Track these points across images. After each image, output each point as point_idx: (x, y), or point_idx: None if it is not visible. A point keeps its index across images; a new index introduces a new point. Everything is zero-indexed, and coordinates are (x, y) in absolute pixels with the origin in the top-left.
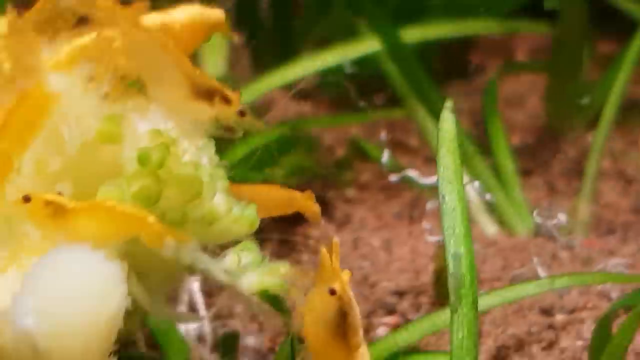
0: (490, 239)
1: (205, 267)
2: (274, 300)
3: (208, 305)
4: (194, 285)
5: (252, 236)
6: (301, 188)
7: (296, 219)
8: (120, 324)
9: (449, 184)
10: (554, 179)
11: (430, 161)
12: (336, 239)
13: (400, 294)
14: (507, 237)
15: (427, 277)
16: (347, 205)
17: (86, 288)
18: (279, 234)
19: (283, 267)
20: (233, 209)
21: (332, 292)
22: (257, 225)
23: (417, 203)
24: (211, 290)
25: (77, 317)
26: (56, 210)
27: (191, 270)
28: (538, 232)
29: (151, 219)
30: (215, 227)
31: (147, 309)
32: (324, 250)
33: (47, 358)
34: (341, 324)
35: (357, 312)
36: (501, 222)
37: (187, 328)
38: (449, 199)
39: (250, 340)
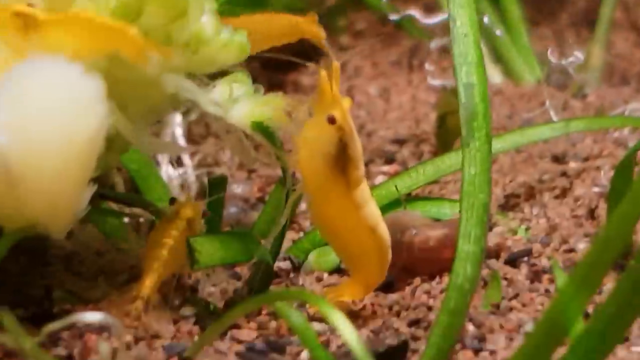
0: (496, 88)
1: (192, 96)
2: (267, 135)
3: (192, 154)
4: (177, 130)
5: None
6: None
7: (286, 66)
8: (100, 148)
9: (461, 9)
10: (563, 29)
11: (431, 8)
12: (337, 63)
13: (399, 142)
14: (514, 86)
15: (428, 126)
16: (341, 52)
17: (63, 102)
18: (268, 81)
19: (277, 97)
20: (221, 33)
21: (331, 120)
22: (247, 52)
23: (417, 51)
24: (195, 138)
25: (54, 134)
26: (27, 22)
27: (175, 102)
28: (547, 82)
29: (132, 31)
30: (202, 53)
31: (128, 138)
32: (322, 73)
33: (21, 182)
34: (341, 156)
35: (358, 144)
36: (507, 72)
37: (170, 176)
38: (461, 24)
39: (237, 189)
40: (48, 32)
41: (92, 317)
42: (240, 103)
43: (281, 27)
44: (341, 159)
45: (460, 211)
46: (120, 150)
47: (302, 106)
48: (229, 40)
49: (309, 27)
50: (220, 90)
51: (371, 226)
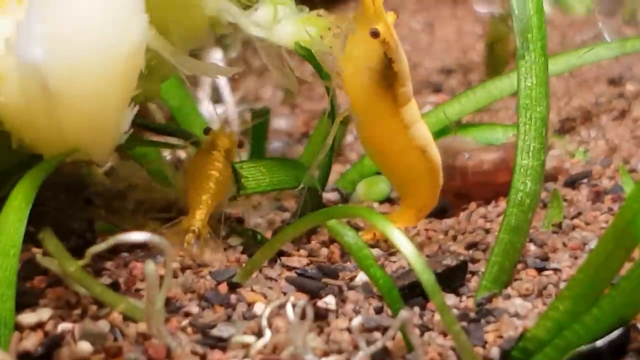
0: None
1: (233, 18)
2: (311, 60)
3: (233, 91)
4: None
5: None
6: None
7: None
8: (141, 64)
9: None
10: None
11: None
12: None
13: (446, 72)
14: (564, 15)
15: (476, 56)
16: None
17: (102, 12)
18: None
19: (320, 16)
20: None
21: (375, 33)
22: None
23: None
24: (235, 76)
25: (92, 47)
26: None
27: (216, 25)
28: (598, 10)
29: None
30: None
31: (168, 58)
32: None
33: (59, 100)
34: (386, 72)
35: (404, 60)
36: (556, 1)
37: (210, 112)
38: None
39: (281, 123)
40: None
41: (137, 237)
42: (284, 23)
43: None
44: (387, 75)
45: (517, 126)
46: (161, 77)
47: (346, 24)
48: None
49: None
50: (263, 11)
51: (421, 147)
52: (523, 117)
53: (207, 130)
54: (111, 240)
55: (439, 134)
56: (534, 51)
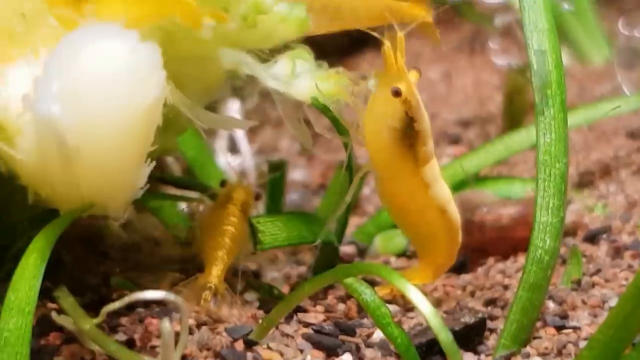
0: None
1: (251, 71)
2: (329, 115)
3: (250, 141)
4: (235, 116)
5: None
6: None
7: (344, 51)
8: (158, 120)
9: None
10: (631, 8)
11: None
12: (401, 34)
13: (464, 124)
14: (582, 66)
15: (494, 107)
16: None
17: (119, 69)
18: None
19: (339, 73)
20: (279, 6)
21: (397, 92)
22: (307, 27)
23: (478, 34)
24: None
25: (110, 104)
26: None
27: (233, 78)
28: (616, 62)
29: None
30: (260, 27)
31: (185, 112)
32: (387, 45)
33: (76, 156)
34: (408, 131)
35: (426, 119)
36: (575, 53)
37: (227, 163)
38: None
39: (298, 175)
40: (100, 2)
41: (152, 295)
42: (302, 77)
43: (379, 9)
44: (408, 134)
45: (536, 182)
46: (177, 131)
47: (365, 82)
48: (288, 14)
49: (414, 10)
50: (282, 65)
51: (441, 206)
52: (542, 174)
53: (223, 183)
54: (126, 299)
55: (456, 187)
56: (553, 107)
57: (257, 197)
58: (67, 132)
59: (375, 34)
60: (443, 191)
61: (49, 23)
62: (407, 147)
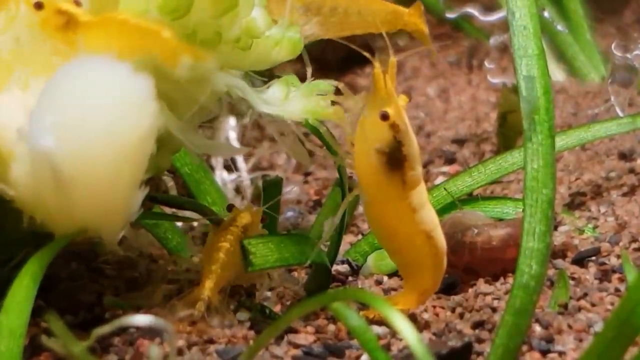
0: (559, 86)
1: (244, 94)
2: (321, 132)
3: (246, 158)
4: (231, 134)
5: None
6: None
7: (342, 67)
8: (152, 149)
9: (520, 1)
10: (627, 25)
11: (489, 6)
12: (393, 58)
13: (460, 142)
14: (578, 84)
15: (489, 125)
16: (398, 54)
17: (112, 101)
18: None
19: (328, 97)
20: (273, 29)
21: (385, 116)
22: (300, 49)
23: (475, 50)
24: (249, 142)
25: (103, 134)
26: (69, 22)
27: (226, 99)
28: (612, 79)
29: (166, 33)
30: (254, 50)
31: (179, 137)
32: (377, 69)
33: (70, 185)
34: (396, 155)
35: (414, 143)
36: (570, 70)
37: (224, 180)
38: (520, 15)
39: (294, 193)
40: (86, 33)
41: (141, 320)
42: (293, 99)
43: (383, 14)
44: (396, 157)
45: (523, 208)
46: (171, 151)
47: (356, 104)
48: (281, 36)
49: (413, 19)
50: (275, 90)
51: (427, 231)
52: (529, 199)
53: (229, 207)
54: (116, 323)
55: (450, 207)
56: (541, 133)
57: (264, 221)
58: (61, 163)
59: (367, 54)
60: (430, 216)
61: (41, 51)
62: (395, 171)
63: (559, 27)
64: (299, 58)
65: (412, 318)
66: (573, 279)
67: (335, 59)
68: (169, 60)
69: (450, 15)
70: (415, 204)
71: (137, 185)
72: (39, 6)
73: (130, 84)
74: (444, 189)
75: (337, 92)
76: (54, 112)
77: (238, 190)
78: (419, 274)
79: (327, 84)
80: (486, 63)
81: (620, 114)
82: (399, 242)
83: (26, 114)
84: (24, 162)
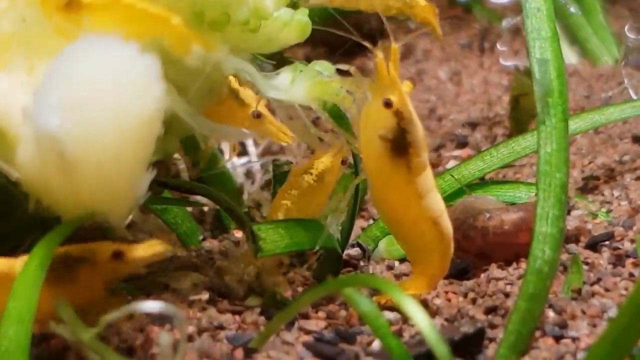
0: (572, 69)
1: (252, 79)
2: (333, 115)
3: (256, 142)
4: None
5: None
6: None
7: (353, 51)
8: (159, 130)
9: None
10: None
11: None
12: (396, 45)
13: (472, 125)
14: (591, 66)
15: (502, 108)
16: (408, 35)
17: (118, 82)
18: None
19: (334, 79)
20: (281, 12)
21: (388, 104)
22: (308, 32)
23: (487, 33)
24: None
25: (109, 116)
26: (70, 3)
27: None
28: (625, 62)
29: (175, 20)
30: (262, 32)
31: (187, 121)
32: (379, 56)
33: (76, 167)
34: (400, 142)
35: (419, 130)
36: (584, 52)
37: (234, 164)
38: None
39: None
40: (90, 15)
41: (151, 306)
42: (299, 82)
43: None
44: (401, 144)
45: (536, 192)
46: (179, 134)
47: (362, 88)
48: (290, 19)
49: (424, 11)
50: (284, 77)
51: (433, 217)
52: (542, 184)
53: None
54: (125, 309)
55: (461, 191)
56: (555, 116)
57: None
58: (66, 144)
59: (366, 43)
60: (436, 202)
61: (45, 32)
62: (400, 157)
63: (572, 9)
64: (309, 41)
65: (424, 304)
66: (586, 264)
67: (345, 41)
68: (178, 47)
69: None
70: (421, 190)
71: (144, 167)
72: None
73: (137, 65)
74: (451, 175)
75: (347, 74)
76: (60, 92)
77: (248, 174)
78: (426, 259)
79: (328, 64)
80: (498, 45)
81: (634, 97)
82: (405, 227)
83: (31, 95)
84: (30, 143)
